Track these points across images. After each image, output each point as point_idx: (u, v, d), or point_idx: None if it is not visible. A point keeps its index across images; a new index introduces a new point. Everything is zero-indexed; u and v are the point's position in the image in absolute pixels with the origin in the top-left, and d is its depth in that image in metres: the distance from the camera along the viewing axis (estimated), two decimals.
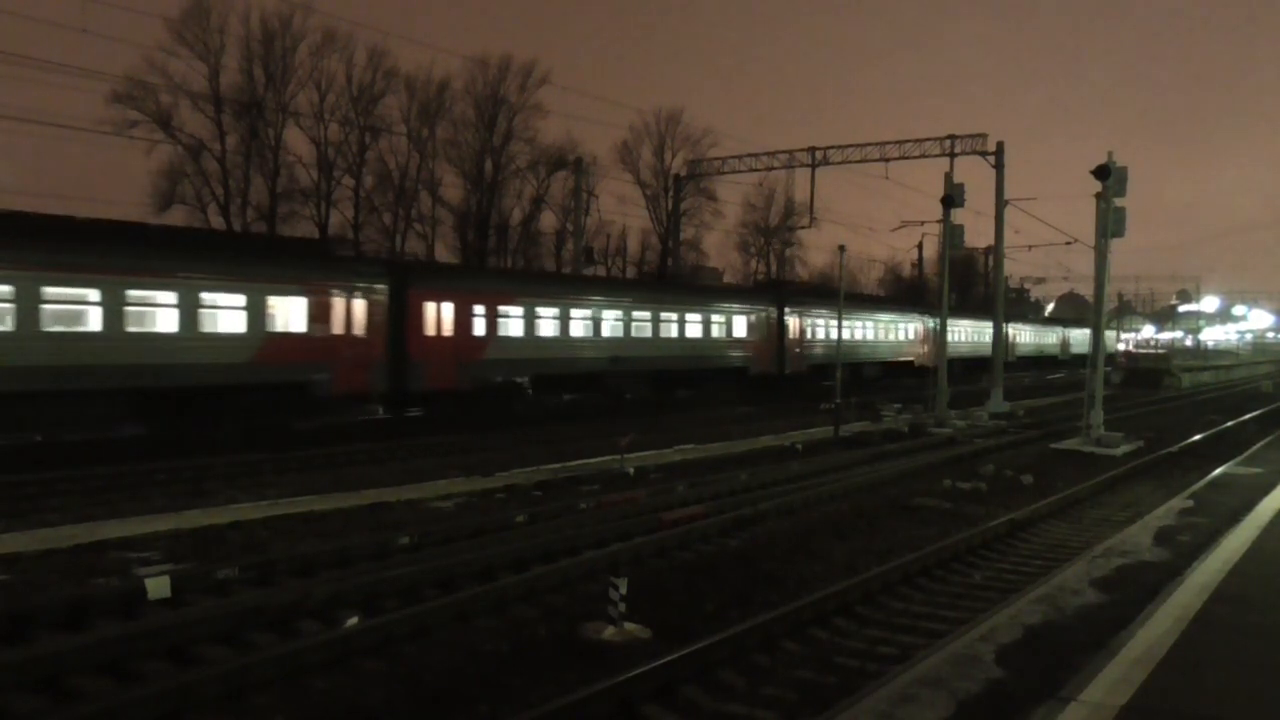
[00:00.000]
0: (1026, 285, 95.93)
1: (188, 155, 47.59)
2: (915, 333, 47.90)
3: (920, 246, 69.01)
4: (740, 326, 35.15)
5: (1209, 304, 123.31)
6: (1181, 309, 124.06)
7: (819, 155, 44.69)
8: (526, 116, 56.83)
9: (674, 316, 32.08)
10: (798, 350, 38.04)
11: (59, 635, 8.15)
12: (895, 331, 46.37)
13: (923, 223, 57.85)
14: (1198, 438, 25.98)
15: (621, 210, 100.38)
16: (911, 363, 46.60)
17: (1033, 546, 12.85)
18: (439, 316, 24.18)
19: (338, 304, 21.75)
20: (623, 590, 8.45)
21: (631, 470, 17.78)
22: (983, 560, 11.93)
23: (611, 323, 29.37)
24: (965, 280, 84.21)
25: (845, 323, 37.84)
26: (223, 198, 48.80)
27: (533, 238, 59.84)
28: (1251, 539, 10.87)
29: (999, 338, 36.24)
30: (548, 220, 60.77)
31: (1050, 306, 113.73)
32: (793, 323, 37.69)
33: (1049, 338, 71.88)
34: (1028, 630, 7.74)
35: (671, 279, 49.83)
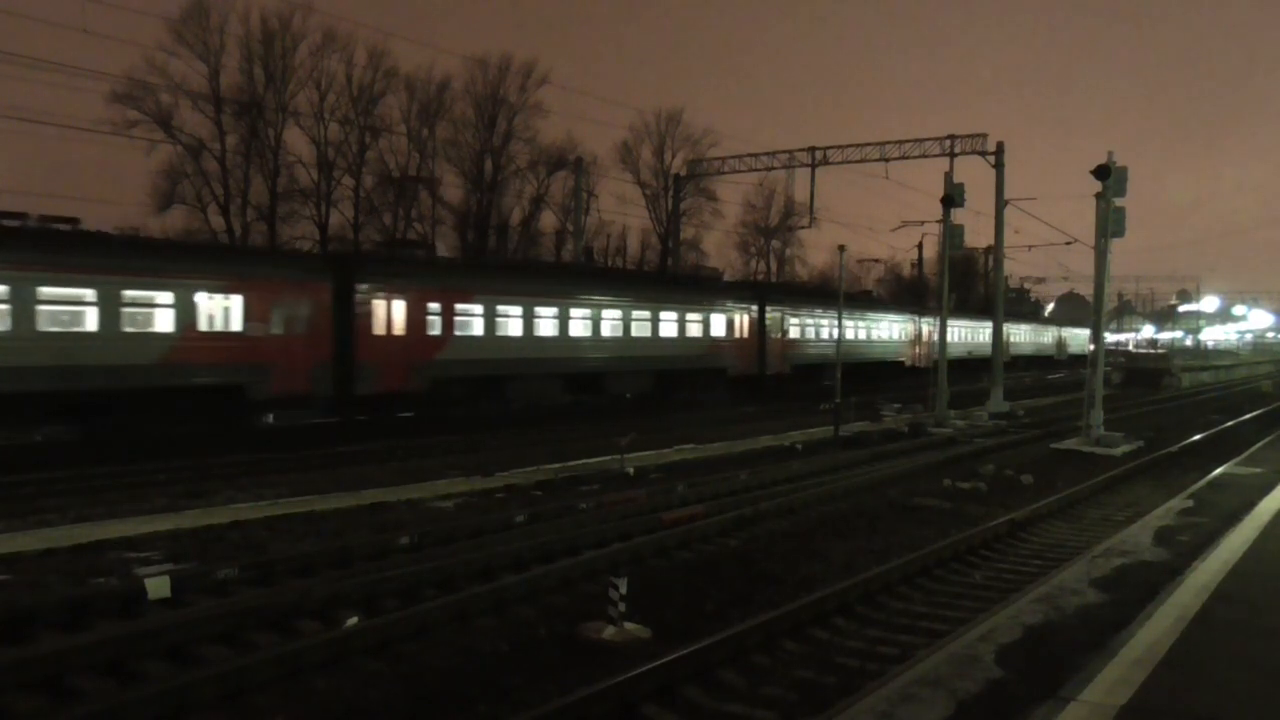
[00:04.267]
0: (1026, 285, 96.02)
1: (188, 155, 47.55)
2: (735, 327, 35.48)
3: (920, 246, 69.05)
4: (234, 314, 20.57)
5: (1209, 304, 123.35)
6: (1181, 309, 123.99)
7: (819, 155, 44.63)
8: (526, 116, 56.79)
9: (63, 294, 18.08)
10: (398, 351, 23.52)
11: (59, 635, 8.15)
12: (687, 327, 33.10)
13: (923, 223, 57.85)
14: (1198, 438, 25.99)
15: (621, 210, 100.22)
16: (724, 370, 34.91)
17: (1032, 546, 12.85)
18: None
19: None
20: (623, 590, 8.45)
21: (632, 470, 17.79)
22: (982, 560, 11.93)
23: None
24: (965, 280, 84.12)
25: (537, 311, 26.77)
26: (223, 198, 48.77)
27: (533, 238, 59.83)
28: (1251, 539, 10.87)
29: (998, 338, 36.19)
30: (548, 220, 60.79)
31: (1050, 306, 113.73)
32: (378, 309, 23.19)
33: (986, 336, 48.87)
34: (1028, 630, 7.73)
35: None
